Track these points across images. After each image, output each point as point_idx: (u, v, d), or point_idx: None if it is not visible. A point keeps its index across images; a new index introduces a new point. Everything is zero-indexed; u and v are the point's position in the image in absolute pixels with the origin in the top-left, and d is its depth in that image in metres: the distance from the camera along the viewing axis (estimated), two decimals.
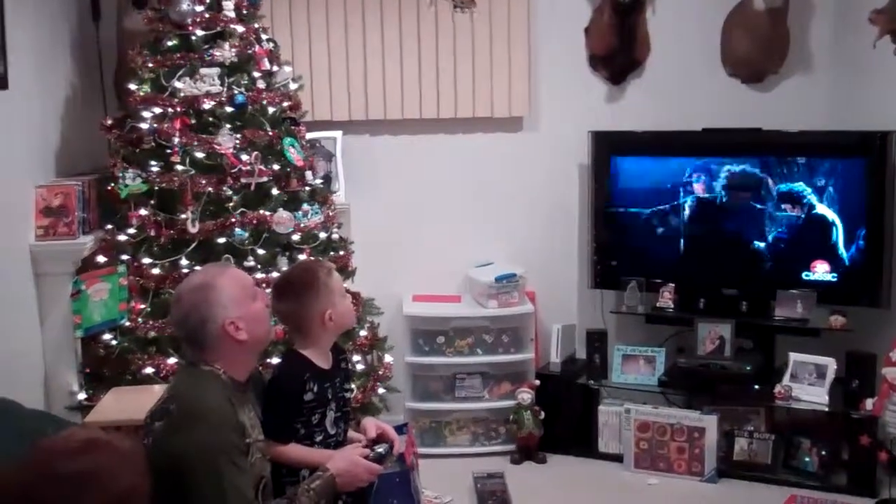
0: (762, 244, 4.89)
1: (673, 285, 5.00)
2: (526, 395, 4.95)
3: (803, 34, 5.17)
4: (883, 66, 4.55)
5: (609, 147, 5.08)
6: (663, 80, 5.22)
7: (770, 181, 4.84)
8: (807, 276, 4.81)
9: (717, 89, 5.21)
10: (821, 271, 4.79)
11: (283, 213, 4.15)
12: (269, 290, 3.02)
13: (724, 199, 4.94)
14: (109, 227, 4.20)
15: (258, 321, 2.73)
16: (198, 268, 3.99)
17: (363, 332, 4.51)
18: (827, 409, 4.58)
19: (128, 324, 4.08)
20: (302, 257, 4.20)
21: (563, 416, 5.06)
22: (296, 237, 4.21)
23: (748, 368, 4.78)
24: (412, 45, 5.07)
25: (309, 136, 4.64)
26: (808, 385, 4.65)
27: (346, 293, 3.05)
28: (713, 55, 5.21)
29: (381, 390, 4.62)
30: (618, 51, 5.12)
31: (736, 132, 4.94)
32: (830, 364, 4.61)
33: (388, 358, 4.69)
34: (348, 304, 3.00)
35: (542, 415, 4.96)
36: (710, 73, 5.22)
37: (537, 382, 5.03)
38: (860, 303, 4.69)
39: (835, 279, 4.76)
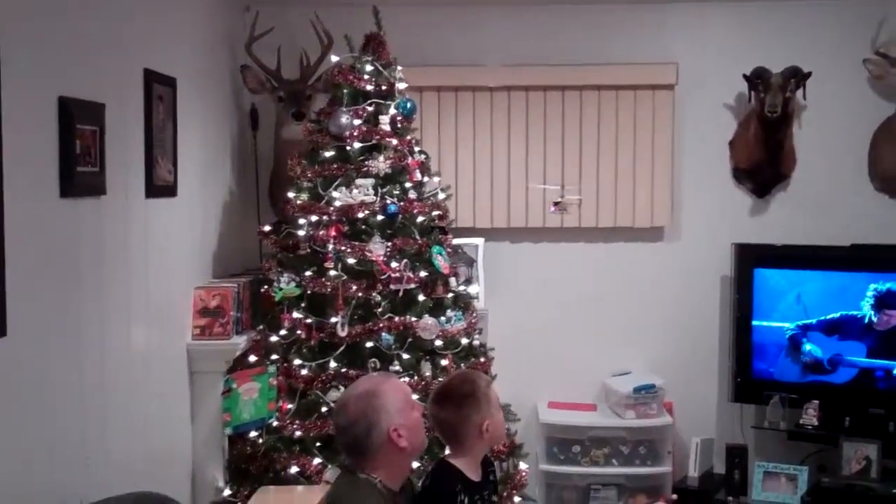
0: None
1: (817, 402, 4.87)
2: None
3: None
4: None
5: (752, 260, 5.02)
6: (810, 195, 5.17)
7: None
8: None
9: (864, 204, 5.14)
10: None
11: (428, 320, 4.23)
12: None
13: (872, 318, 4.82)
14: (261, 327, 4.34)
15: (417, 429, 2.82)
16: (345, 370, 4.14)
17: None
18: None
19: (275, 423, 4.19)
20: (444, 363, 4.25)
21: None
22: (439, 343, 4.27)
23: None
24: (556, 154, 5.17)
25: (453, 242, 4.73)
26: None
27: (500, 406, 3.09)
28: (861, 170, 5.15)
29: (516, 499, 4.59)
30: (763, 164, 5.10)
31: (885, 248, 4.85)
32: None
33: (523, 465, 4.66)
34: (502, 417, 3.05)
35: None
36: (858, 188, 5.15)
37: (675, 497, 4.82)
38: None
39: None
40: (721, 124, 5.20)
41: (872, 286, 4.81)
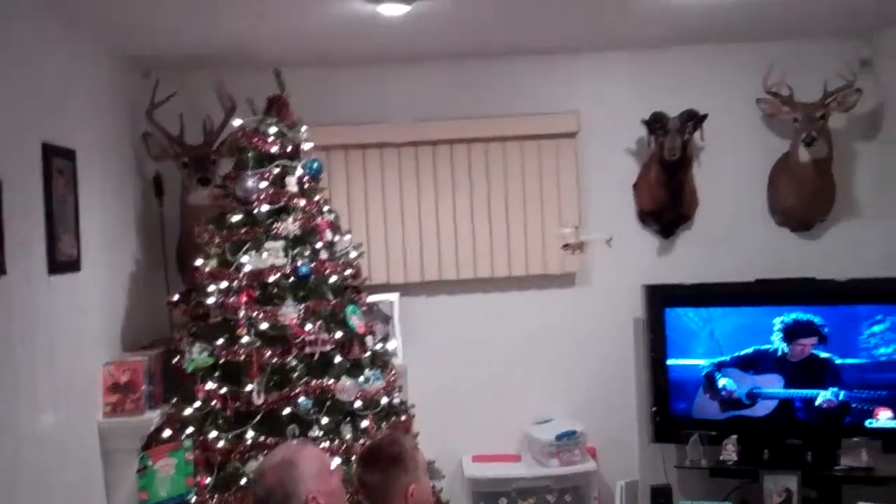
0: (824, 392, 4.84)
1: (735, 437, 4.93)
2: None
3: (849, 182, 5.27)
4: None
5: (662, 300, 5.10)
6: (713, 232, 5.30)
7: (827, 329, 4.84)
8: (870, 423, 4.75)
9: (766, 239, 5.29)
10: (884, 418, 4.73)
11: (346, 381, 4.17)
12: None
13: (784, 350, 4.92)
14: (175, 400, 4.22)
15: (337, 496, 2.77)
16: (263, 439, 4.05)
17: None
18: None
19: (194, 498, 4.06)
20: (365, 424, 4.20)
21: None
22: (358, 404, 4.21)
23: None
24: (465, 207, 5.20)
25: (367, 299, 4.70)
26: None
27: (427, 471, 3.04)
28: (761, 206, 5.30)
29: None
30: (667, 205, 5.21)
31: (789, 282, 4.97)
32: None
33: None
34: (428, 482, 3.01)
35: None
36: (760, 224, 5.31)
37: None
38: None
39: None
40: (624, 169, 5.30)
41: (778, 319, 4.92)
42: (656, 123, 5.09)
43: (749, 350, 4.97)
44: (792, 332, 4.90)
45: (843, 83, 4.96)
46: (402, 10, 3.95)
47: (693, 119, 5.07)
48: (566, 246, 4.93)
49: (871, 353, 4.76)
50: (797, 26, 4.95)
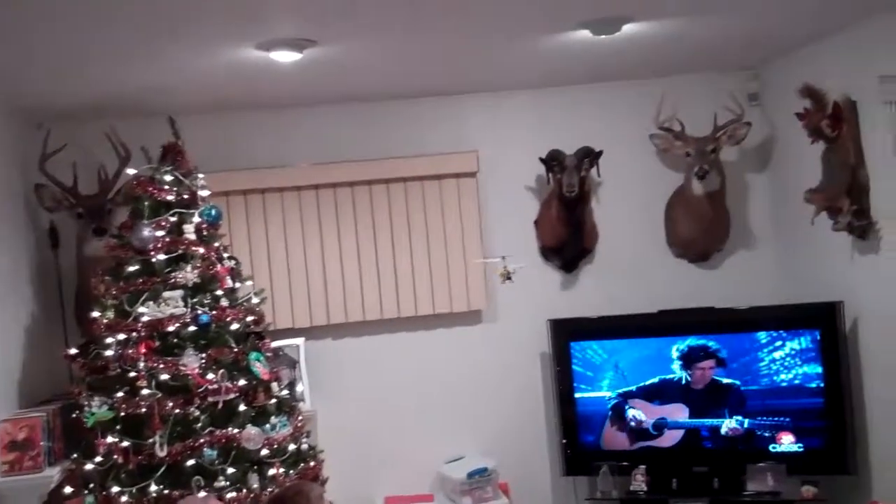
0: (728, 420, 4.94)
1: (644, 467, 4.99)
2: None
3: (743, 213, 5.42)
4: (823, 239, 4.76)
5: (568, 334, 5.17)
6: (615, 266, 5.40)
7: (723, 352, 4.95)
8: (774, 448, 4.86)
9: (666, 270, 5.42)
10: (787, 442, 4.84)
11: (251, 430, 4.12)
12: None
13: (686, 378, 5.01)
14: (75, 456, 4.12)
15: None
16: (167, 492, 3.97)
17: None
18: None
19: None
20: (272, 472, 4.14)
21: None
22: (265, 452, 4.16)
23: None
24: (369, 248, 5.21)
25: (272, 345, 4.66)
26: None
27: None
28: (659, 238, 5.43)
29: None
30: (568, 240, 5.30)
31: (692, 312, 5.07)
32: None
33: None
34: None
35: None
36: (658, 256, 5.43)
37: None
38: (828, 471, 4.75)
39: (801, 449, 4.81)
40: (525, 205, 5.38)
41: (674, 347, 5.01)
42: (553, 161, 5.18)
43: (654, 380, 5.06)
44: (688, 358, 5.01)
45: (733, 117, 5.12)
46: (293, 57, 3.96)
47: (589, 156, 5.18)
48: (504, 275, 4.88)
49: (773, 378, 4.87)
50: (686, 62, 5.10)
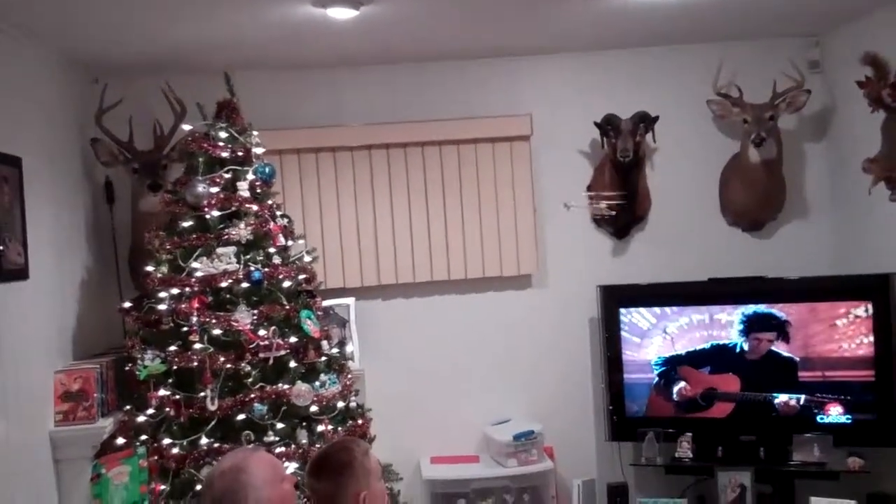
0: (784, 395, 4.89)
1: (690, 434, 4.97)
2: None
3: (799, 182, 5.33)
4: (880, 210, 4.69)
5: (618, 300, 5.14)
6: (666, 233, 5.35)
7: (787, 325, 4.88)
8: (822, 418, 4.81)
9: (718, 239, 5.35)
10: (834, 413, 4.79)
11: (301, 386, 4.16)
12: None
13: (742, 346, 4.95)
14: (128, 408, 4.19)
15: (288, 501, 2.75)
16: (217, 445, 4.03)
17: None
18: None
19: None
20: (321, 429, 4.19)
21: None
22: (314, 408, 4.21)
23: None
24: (421, 210, 5.21)
25: (323, 304, 4.69)
26: None
27: (381, 476, 3.03)
28: (713, 206, 5.36)
29: None
30: (621, 206, 5.25)
31: (741, 281, 5.02)
32: None
33: None
34: (383, 488, 2.99)
35: None
36: (712, 224, 5.36)
37: None
38: (875, 443, 4.70)
39: (849, 421, 4.75)
40: (578, 171, 5.33)
41: (739, 311, 4.94)
42: (608, 126, 5.13)
43: (706, 346, 5.01)
44: (751, 325, 4.94)
45: (792, 84, 5.03)
46: (350, 13, 3.95)
47: (645, 121, 5.13)
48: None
49: (824, 350, 4.80)
50: (746, 28, 5.00)
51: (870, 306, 4.69)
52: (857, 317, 4.71)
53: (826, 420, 4.80)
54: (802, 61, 5.15)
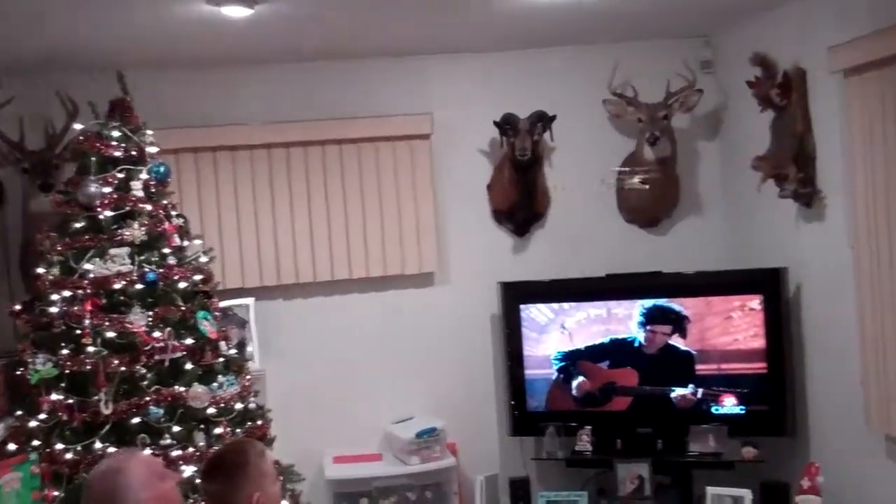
0: (680, 388, 4.98)
1: (590, 428, 5.06)
2: None
3: (693, 180, 5.47)
4: (769, 206, 4.82)
5: (518, 296, 5.21)
6: (566, 230, 5.43)
7: (684, 318, 4.98)
8: (717, 410, 4.93)
9: (616, 235, 5.46)
10: (729, 404, 4.91)
11: (198, 388, 4.13)
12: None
13: (640, 340, 5.05)
14: (19, 413, 4.11)
15: (169, 501, 2.72)
16: (112, 449, 3.97)
17: (285, 503, 4.44)
18: None
19: None
20: (219, 431, 4.16)
21: None
22: (212, 410, 4.17)
23: None
24: (321, 209, 5.19)
25: (221, 304, 4.66)
26: None
27: (276, 479, 3.02)
28: (610, 203, 5.45)
29: None
30: (519, 204, 5.32)
31: (638, 276, 5.12)
32: (746, 496, 4.67)
33: None
34: (278, 491, 2.98)
35: None
36: (609, 221, 5.46)
37: None
38: (768, 433, 4.84)
39: (743, 412, 4.88)
40: (478, 169, 5.38)
41: (639, 304, 5.04)
42: (507, 124, 5.19)
43: (604, 340, 5.11)
44: (649, 319, 5.04)
45: (685, 84, 5.15)
46: (245, 12, 3.92)
47: (542, 120, 5.20)
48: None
49: (718, 343, 4.92)
50: (640, 29, 5.10)
51: (762, 299, 4.81)
52: (750, 310, 4.83)
53: (721, 411, 4.92)
54: (695, 62, 5.28)
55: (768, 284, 4.80)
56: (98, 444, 3.96)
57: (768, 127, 4.67)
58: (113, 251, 4.10)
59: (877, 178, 3.95)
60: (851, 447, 4.39)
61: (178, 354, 4.12)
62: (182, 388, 4.09)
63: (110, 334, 4.02)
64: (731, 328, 4.90)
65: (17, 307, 4.24)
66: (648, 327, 5.04)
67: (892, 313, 3.91)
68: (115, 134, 4.25)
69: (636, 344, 5.07)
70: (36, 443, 4.03)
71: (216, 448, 3.86)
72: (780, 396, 4.79)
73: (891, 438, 4.06)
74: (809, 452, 4.73)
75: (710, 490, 4.75)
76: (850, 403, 4.31)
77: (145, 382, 4.04)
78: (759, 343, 4.83)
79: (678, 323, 5.00)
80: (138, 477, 2.63)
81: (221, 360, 4.34)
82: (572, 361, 5.15)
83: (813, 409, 4.74)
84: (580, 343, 5.13)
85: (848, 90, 4.11)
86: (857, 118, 4.06)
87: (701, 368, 4.96)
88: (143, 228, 4.17)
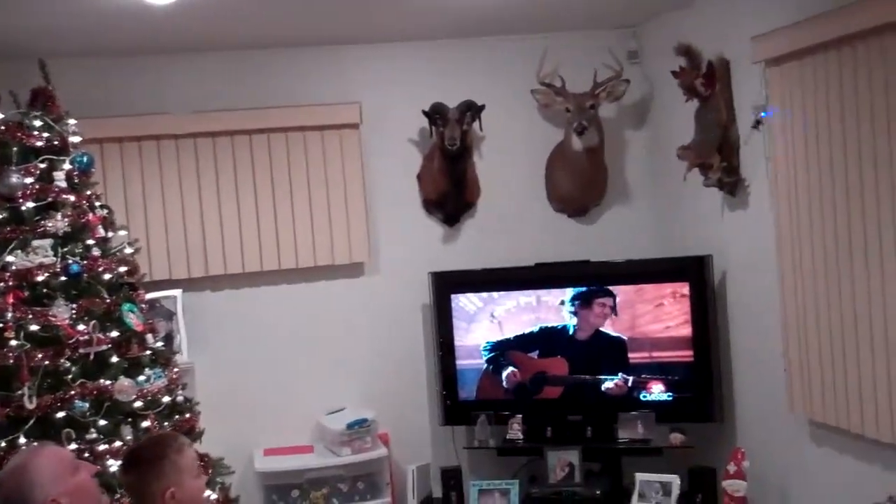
0: (612, 376, 5.05)
1: (521, 416, 5.10)
2: None
3: (620, 169, 5.53)
4: (695, 195, 4.90)
5: (449, 286, 5.22)
6: (495, 219, 5.45)
7: (613, 302, 5.04)
8: (645, 396, 5.00)
9: (545, 225, 5.50)
10: (657, 391, 4.99)
11: (124, 381, 4.06)
12: None
13: (572, 326, 5.10)
14: None
15: (83, 493, 2.68)
16: (36, 445, 3.89)
17: (214, 496, 4.40)
18: None
19: None
20: (146, 424, 4.11)
21: None
22: (138, 404, 4.11)
23: (598, 493, 4.90)
24: (249, 199, 5.14)
25: (148, 296, 4.59)
26: None
27: (200, 475, 2.99)
28: (539, 193, 5.50)
29: None
30: (450, 194, 5.33)
31: (567, 265, 5.17)
32: (674, 481, 4.76)
33: None
34: (198, 486, 2.94)
35: None
36: (538, 210, 5.50)
37: None
38: (695, 419, 4.92)
39: (671, 398, 4.96)
40: (408, 159, 5.38)
41: (570, 290, 5.09)
42: (436, 114, 5.19)
43: (534, 329, 5.15)
44: (580, 301, 5.08)
45: (612, 74, 5.20)
46: (165, 0, 3.87)
47: (471, 109, 5.21)
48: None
49: (647, 331, 4.99)
50: (568, 18, 5.14)
51: (688, 287, 4.88)
52: (682, 296, 4.90)
53: (649, 398, 4.99)
54: (622, 52, 5.33)
55: (694, 272, 4.88)
56: (22, 440, 3.85)
57: (693, 116, 4.74)
58: (35, 243, 4.00)
59: (797, 166, 4.04)
60: (777, 432, 4.49)
61: (104, 347, 4.04)
62: (108, 382, 4.01)
63: (33, 327, 3.92)
64: (662, 315, 4.96)
65: None
66: (584, 308, 5.07)
67: (813, 301, 4.01)
68: (37, 123, 4.13)
69: (569, 332, 5.11)
70: None
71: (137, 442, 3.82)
72: (706, 383, 4.87)
73: (814, 423, 4.16)
74: (736, 438, 4.82)
75: (639, 476, 4.82)
76: (774, 389, 4.40)
77: (70, 376, 3.95)
78: (688, 331, 4.90)
79: (612, 306, 5.04)
80: (46, 472, 2.59)
81: (148, 352, 4.27)
82: (501, 352, 5.18)
83: (739, 395, 4.83)
84: (510, 333, 5.17)
85: (770, 80, 4.19)
86: (778, 107, 4.14)
87: (633, 356, 5.02)
88: (66, 219, 4.07)
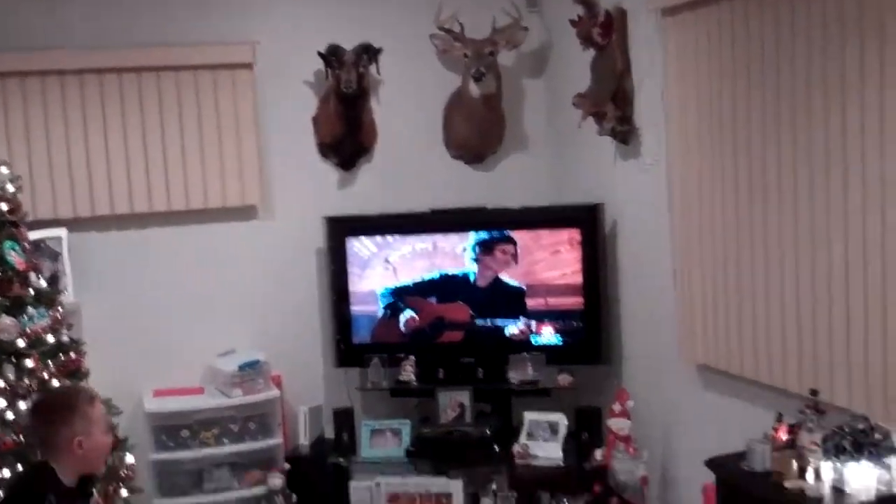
0: (514, 321, 5.12)
1: (413, 358, 5.16)
2: (276, 481, 4.96)
3: (518, 117, 5.56)
4: (589, 143, 4.96)
5: (344, 231, 5.21)
6: (391, 165, 5.44)
7: (514, 247, 5.09)
8: (535, 339, 5.09)
9: (442, 171, 5.51)
10: (547, 334, 5.08)
11: (5, 320, 4.02)
12: None
13: (473, 273, 5.14)
14: None
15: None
16: None
17: None
18: (562, 463, 4.82)
19: None
20: (30, 364, 4.05)
21: (316, 497, 5.08)
22: (21, 343, 4.06)
23: (488, 432, 4.99)
24: (138, 138, 5.02)
25: (32, 236, 4.49)
26: (543, 442, 4.88)
27: (109, 433, 3.09)
28: (437, 139, 5.50)
29: (124, 493, 4.48)
30: (345, 138, 5.29)
31: (462, 212, 5.20)
32: (562, 420, 4.89)
33: (129, 458, 4.55)
34: (105, 441, 3.03)
35: (295, 498, 4.99)
36: (436, 156, 5.51)
37: (287, 466, 5.05)
38: (583, 361, 5.03)
39: (560, 341, 5.07)
40: (303, 101, 5.31)
41: (472, 236, 5.11)
42: (332, 56, 5.13)
43: (434, 276, 5.18)
44: (481, 247, 5.12)
45: (511, 21, 5.20)
46: None
47: (368, 52, 5.16)
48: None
49: (545, 278, 5.05)
50: None
51: (579, 234, 4.94)
52: (574, 245, 4.97)
53: (539, 341, 5.08)
54: None
55: (585, 220, 4.95)
56: None
57: (589, 65, 4.78)
58: None
59: (689, 116, 4.11)
60: (663, 374, 4.62)
61: None
62: None
63: None
64: (558, 263, 5.03)
65: None
66: (486, 255, 5.11)
67: (700, 249, 4.12)
68: None
69: (470, 279, 5.15)
70: None
71: (33, 381, 3.83)
72: (594, 326, 4.98)
73: (700, 366, 4.29)
74: (623, 380, 4.96)
75: (528, 415, 4.94)
76: (663, 334, 4.53)
77: None
78: (576, 276, 4.98)
79: (509, 248, 5.09)
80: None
81: (31, 291, 4.20)
82: (400, 297, 5.20)
83: (627, 340, 4.96)
84: (405, 279, 5.19)
85: (665, 30, 4.24)
86: (673, 58, 4.21)
87: (530, 303, 5.09)
88: None
